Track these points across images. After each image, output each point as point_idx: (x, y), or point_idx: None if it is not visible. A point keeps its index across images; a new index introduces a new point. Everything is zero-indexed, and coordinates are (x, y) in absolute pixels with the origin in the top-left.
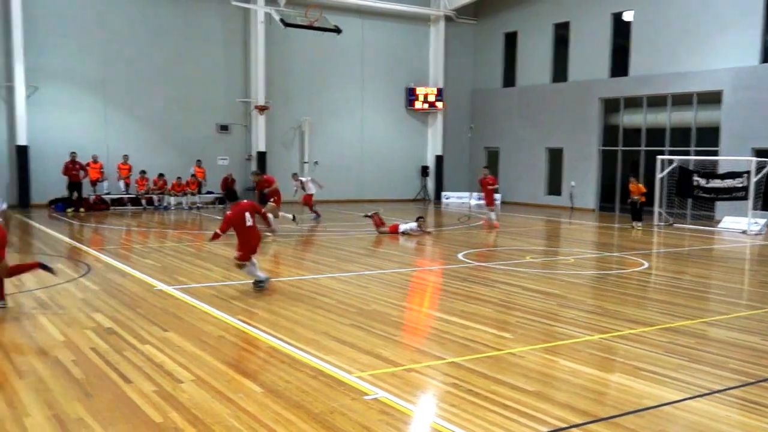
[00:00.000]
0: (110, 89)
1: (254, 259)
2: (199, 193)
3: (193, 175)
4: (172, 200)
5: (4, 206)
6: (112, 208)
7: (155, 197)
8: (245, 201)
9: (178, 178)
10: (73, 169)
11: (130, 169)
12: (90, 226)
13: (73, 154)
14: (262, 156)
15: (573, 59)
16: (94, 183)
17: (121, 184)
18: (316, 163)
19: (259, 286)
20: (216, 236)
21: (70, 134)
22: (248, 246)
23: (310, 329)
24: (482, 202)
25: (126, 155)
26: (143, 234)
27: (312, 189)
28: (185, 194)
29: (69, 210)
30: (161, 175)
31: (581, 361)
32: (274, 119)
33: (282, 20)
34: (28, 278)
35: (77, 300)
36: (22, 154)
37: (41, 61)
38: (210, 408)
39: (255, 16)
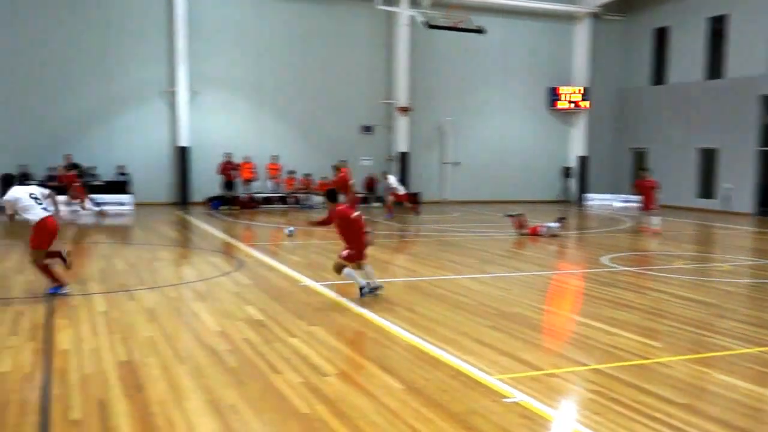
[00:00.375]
0: (262, 93)
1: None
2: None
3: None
4: (318, 199)
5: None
6: (261, 206)
7: (301, 196)
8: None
9: (324, 177)
10: (228, 168)
11: (279, 169)
12: (242, 223)
13: (228, 155)
14: (403, 156)
15: (730, 55)
16: (246, 182)
17: (270, 183)
18: (457, 163)
19: (364, 293)
20: (318, 223)
21: (226, 136)
22: (357, 245)
23: (449, 329)
24: (639, 205)
25: (275, 155)
26: None
27: (401, 189)
28: None
29: (224, 207)
30: (308, 175)
31: (737, 375)
32: (416, 120)
33: (425, 22)
34: (188, 271)
35: (231, 293)
36: (183, 154)
37: (201, 67)
38: (353, 402)
39: (399, 18)
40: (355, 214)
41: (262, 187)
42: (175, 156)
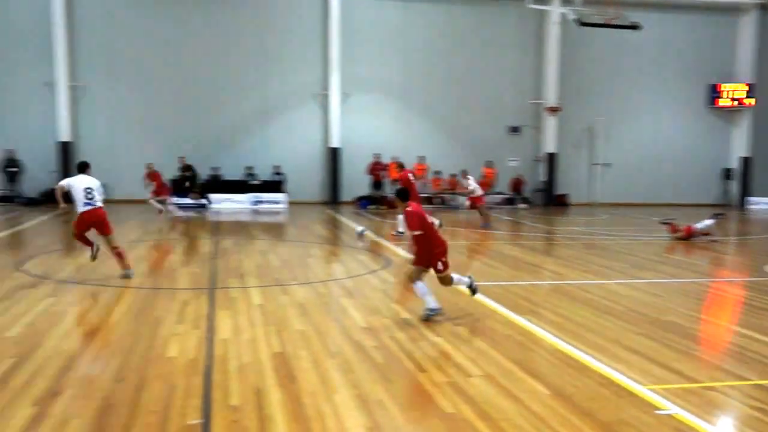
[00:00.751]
0: (410, 94)
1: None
2: (489, 193)
3: (483, 176)
4: (464, 200)
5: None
6: None
7: (447, 196)
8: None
9: None
10: (376, 169)
11: (425, 169)
12: (389, 223)
13: (376, 155)
14: (551, 157)
15: None
16: (394, 182)
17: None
18: (607, 164)
19: (428, 315)
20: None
21: (374, 136)
22: (433, 251)
23: (598, 335)
24: None
25: (422, 156)
26: None
27: (479, 191)
28: None
29: (371, 207)
30: (454, 175)
31: None
32: (565, 120)
33: (578, 19)
34: (338, 268)
35: (378, 290)
36: (334, 155)
37: (353, 70)
38: (498, 404)
39: (550, 17)
40: (431, 219)
41: None
42: (326, 156)
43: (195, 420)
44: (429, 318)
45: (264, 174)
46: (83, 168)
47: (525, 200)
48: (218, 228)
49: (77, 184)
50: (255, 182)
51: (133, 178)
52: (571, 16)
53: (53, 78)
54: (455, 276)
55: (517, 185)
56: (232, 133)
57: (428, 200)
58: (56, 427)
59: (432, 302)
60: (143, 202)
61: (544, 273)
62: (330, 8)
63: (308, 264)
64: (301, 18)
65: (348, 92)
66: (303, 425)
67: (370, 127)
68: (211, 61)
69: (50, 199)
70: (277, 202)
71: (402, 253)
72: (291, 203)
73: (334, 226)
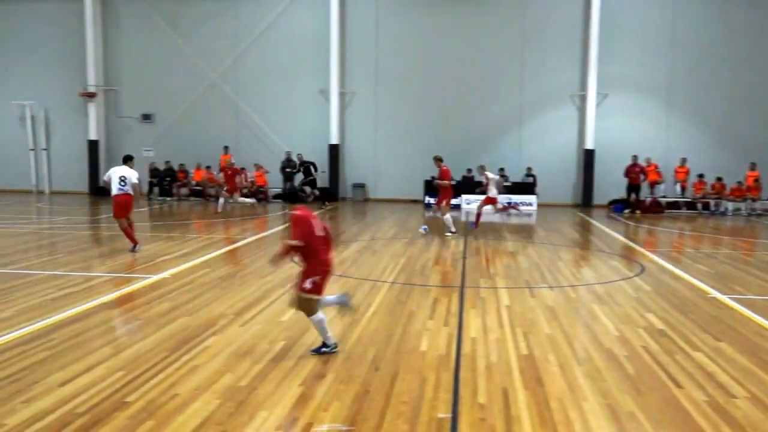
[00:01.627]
0: (673, 93)
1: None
2: (760, 198)
3: (756, 180)
4: (730, 206)
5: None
6: (666, 211)
7: (712, 202)
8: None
9: (738, 182)
10: (633, 171)
11: (687, 172)
12: (644, 228)
13: (634, 158)
14: None
15: None
16: (651, 185)
17: (677, 187)
18: None
19: (323, 351)
20: (284, 253)
21: (632, 138)
22: (317, 269)
23: None
24: None
25: (684, 158)
26: (697, 238)
27: (493, 192)
28: (745, 200)
29: (626, 211)
30: (719, 179)
31: None
32: None
33: None
34: (588, 272)
35: (631, 298)
36: (588, 157)
37: (611, 70)
38: (766, 430)
39: None
40: (316, 221)
41: (667, 190)
42: (580, 158)
43: (444, 414)
44: (321, 353)
45: (516, 175)
46: (126, 160)
47: None
48: (469, 228)
49: (115, 172)
50: (506, 184)
51: (391, 180)
52: None
53: (327, 85)
54: (318, 317)
55: None
56: (487, 134)
57: (690, 205)
58: (320, 407)
59: (331, 339)
60: (401, 201)
61: None
62: (591, 6)
63: (558, 267)
64: (562, 17)
65: (605, 92)
66: (550, 430)
67: (627, 127)
68: (471, 63)
69: (318, 198)
70: (528, 204)
71: (658, 260)
72: (541, 205)
73: (586, 229)
